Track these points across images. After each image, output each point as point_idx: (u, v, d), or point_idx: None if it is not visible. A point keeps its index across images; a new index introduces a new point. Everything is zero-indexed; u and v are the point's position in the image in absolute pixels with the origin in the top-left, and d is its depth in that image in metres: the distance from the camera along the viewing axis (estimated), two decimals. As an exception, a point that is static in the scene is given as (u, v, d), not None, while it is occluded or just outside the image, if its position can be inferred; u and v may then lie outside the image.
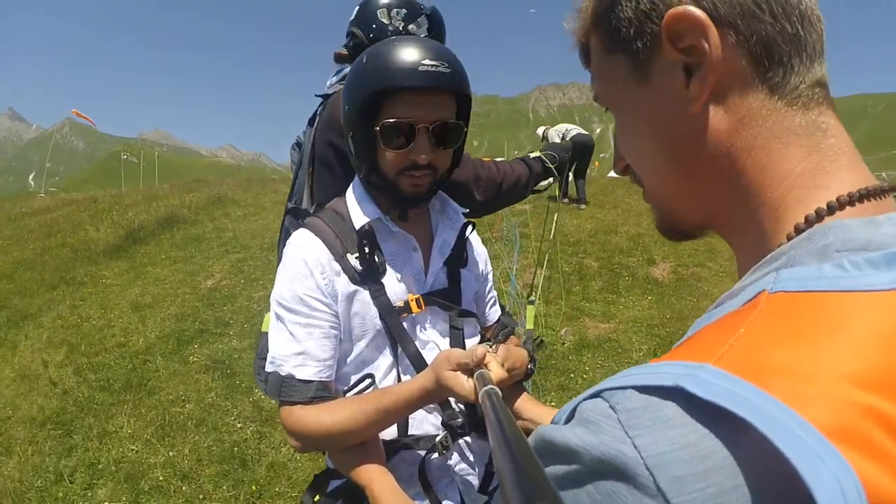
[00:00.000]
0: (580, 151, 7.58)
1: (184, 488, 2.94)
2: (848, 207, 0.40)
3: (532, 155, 1.74)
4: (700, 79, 0.41)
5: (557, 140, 7.80)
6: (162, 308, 5.22)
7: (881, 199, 0.41)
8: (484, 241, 1.36)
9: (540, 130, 8.56)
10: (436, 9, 1.56)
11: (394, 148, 1.00)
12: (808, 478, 0.26)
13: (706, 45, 0.40)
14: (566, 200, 7.54)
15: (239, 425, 3.40)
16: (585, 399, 0.36)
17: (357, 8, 1.57)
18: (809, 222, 0.40)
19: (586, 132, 7.93)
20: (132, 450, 3.25)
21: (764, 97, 0.42)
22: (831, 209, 0.40)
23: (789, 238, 0.41)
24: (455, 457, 1.14)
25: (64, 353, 4.60)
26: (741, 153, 0.43)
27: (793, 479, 0.27)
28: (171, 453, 3.18)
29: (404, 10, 1.50)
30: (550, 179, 1.76)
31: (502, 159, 1.69)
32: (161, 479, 2.98)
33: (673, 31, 0.41)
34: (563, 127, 8.20)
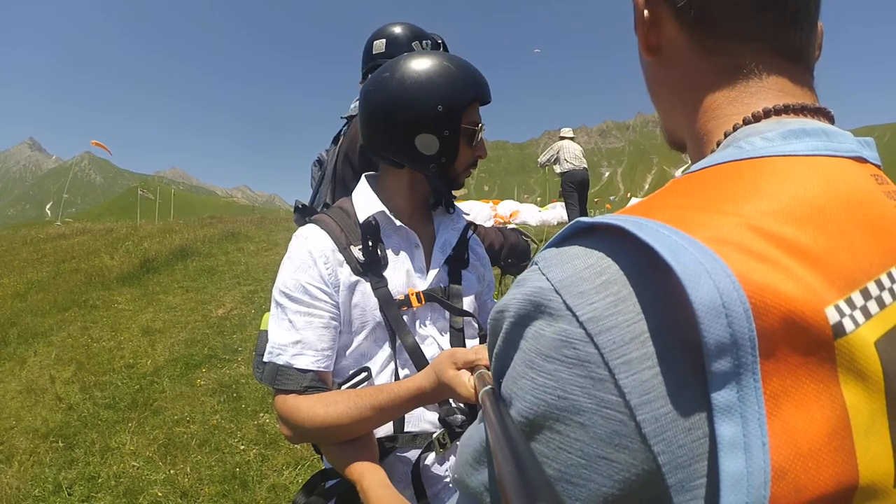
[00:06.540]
0: (578, 185, 7.91)
1: (182, 506, 2.93)
2: (765, 120, 0.43)
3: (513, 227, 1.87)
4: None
5: (573, 162, 7.98)
6: (172, 333, 5.29)
7: (806, 116, 0.44)
8: (495, 275, 1.43)
9: (555, 148, 8.30)
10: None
11: (473, 146, 1.13)
12: (675, 266, 0.29)
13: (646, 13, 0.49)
14: None
15: (242, 447, 3.40)
16: None
17: (377, 42, 1.74)
18: (727, 135, 0.45)
19: (584, 166, 8.08)
20: (133, 466, 3.25)
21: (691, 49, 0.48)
22: (746, 122, 0.44)
23: (712, 152, 0.45)
24: (453, 459, 1.12)
25: (72, 370, 4.63)
26: (679, 91, 0.50)
27: (673, 276, 0.30)
28: (172, 471, 3.17)
29: (428, 42, 1.73)
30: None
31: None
32: (160, 495, 2.97)
33: None
34: (576, 151, 8.13)
